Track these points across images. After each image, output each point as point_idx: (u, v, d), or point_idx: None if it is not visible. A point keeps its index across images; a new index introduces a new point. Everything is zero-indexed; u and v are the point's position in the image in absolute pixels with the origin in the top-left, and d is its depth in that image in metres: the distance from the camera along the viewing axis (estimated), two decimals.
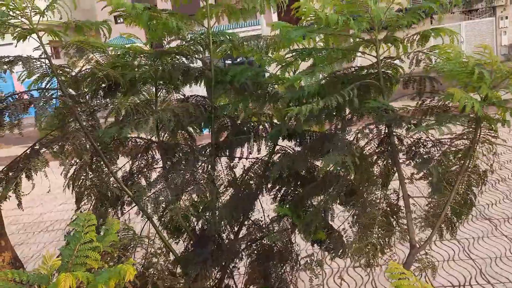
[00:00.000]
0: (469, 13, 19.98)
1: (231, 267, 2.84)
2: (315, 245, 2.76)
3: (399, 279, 1.70)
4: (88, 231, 1.83)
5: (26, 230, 7.12)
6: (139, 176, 2.92)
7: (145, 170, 2.88)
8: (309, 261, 2.45)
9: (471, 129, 2.22)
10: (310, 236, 2.59)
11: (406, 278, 1.69)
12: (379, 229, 2.40)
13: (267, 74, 3.17)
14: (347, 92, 2.13)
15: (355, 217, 2.62)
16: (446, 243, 5.13)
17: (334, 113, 2.40)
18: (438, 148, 2.27)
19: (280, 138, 2.98)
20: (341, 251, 2.63)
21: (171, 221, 2.92)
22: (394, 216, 2.45)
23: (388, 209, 2.47)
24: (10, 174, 2.30)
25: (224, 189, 3.00)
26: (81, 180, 2.81)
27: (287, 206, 2.82)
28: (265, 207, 3.05)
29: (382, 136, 2.38)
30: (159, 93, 3.12)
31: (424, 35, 2.25)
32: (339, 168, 2.48)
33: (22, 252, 5.94)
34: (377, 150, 2.39)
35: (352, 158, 2.00)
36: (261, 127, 3.06)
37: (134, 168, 3.01)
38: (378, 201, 2.43)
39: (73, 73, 2.52)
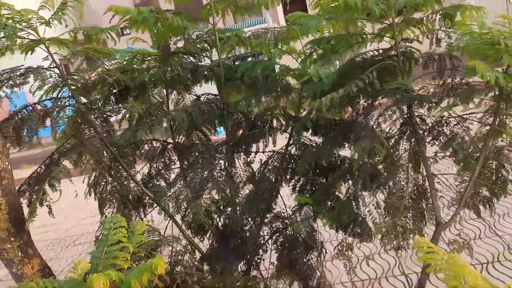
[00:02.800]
0: None
1: (256, 259, 2.83)
2: (340, 231, 2.73)
3: (427, 253, 1.66)
4: (116, 232, 1.84)
5: (54, 246, 7.19)
6: (158, 178, 2.93)
7: (163, 171, 2.89)
8: (340, 248, 2.43)
9: (495, 103, 2.17)
10: (333, 223, 2.57)
11: (433, 251, 1.65)
12: (407, 211, 2.37)
13: (277, 67, 3.15)
14: (366, 75, 2.10)
15: (379, 201, 2.59)
16: (471, 222, 5.06)
17: (357, 98, 2.37)
18: (462, 125, 2.22)
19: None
20: (367, 235, 2.60)
21: (194, 220, 2.92)
22: (422, 197, 2.41)
23: (415, 190, 2.43)
24: (32, 184, 2.32)
25: (243, 185, 2.99)
26: (101, 186, 2.83)
27: (307, 195, 2.80)
28: (286, 202, 3.03)
29: (404, 117, 2.34)
30: (170, 95, 3.13)
31: (447, 14, 2.19)
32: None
33: (52, 267, 6.01)
34: (398, 132, 2.35)
35: (380, 143, 1.98)
36: (275, 120, 3.05)
37: (153, 171, 3.02)
38: (404, 183, 2.39)
39: (83, 81, 2.53)
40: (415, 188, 2.45)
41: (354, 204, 2.35)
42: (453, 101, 1.85)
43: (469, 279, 1.47)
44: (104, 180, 2.77)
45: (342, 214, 2.33)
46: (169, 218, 2.65)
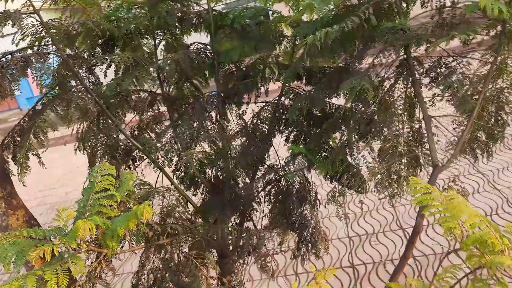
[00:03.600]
0: None
1: (249, 211, 2.79)
2: (334, 181, 2.68)
3: (423, 194, 1.60)
4: (103, 180, 1.77)
5: (54, 209, 7.21)
6: (148, 131, 2.85)
7: (153, 124, 2.81)
8: (332, 194, 2.37)
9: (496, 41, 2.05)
10: (327, 172, 2.51)
11: (429, 192, 1.59)
12: (402, 157, 2.30)
13: (270, 14, 3.01)
14: (362, 11, 1.98)
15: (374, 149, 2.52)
16: (470, 177, 5.03)
17: (351, 42, 2.25)
18: (461, 62, 2.11)
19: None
20: (361, 186, 2.55)
21: (186, 173, 2.87)
22: (417, 142, 2.34)
23: (410, 135, 2.35)
24: (16, 137, 2.25)
25: (235, 137, 2.92)
26: (90, 141, 2.76)
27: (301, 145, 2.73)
28: (280, 154, 2.97)
29: (400, 59, 2.23)
30: (159, 45, 3.00)
31: None
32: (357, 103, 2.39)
33: None
34: (395, 74, 2.24)
35: (369, 82, 1.88)
36: (267, 70, 2.94)
37: (143, 125, 2.94)
38: (399, 129, 2.31)
39: (64, 28, 2.40)
40: (410, 133, 2.37)
41: (347, 150, 2.27)
42: (451, 35, 1.74)
43: (466, 218, 1.40)
44: (93, 134, 2.69)
45: (335, 161, 2.27)
46: (159, 171, 2.59)
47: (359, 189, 2.49)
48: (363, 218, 4.89)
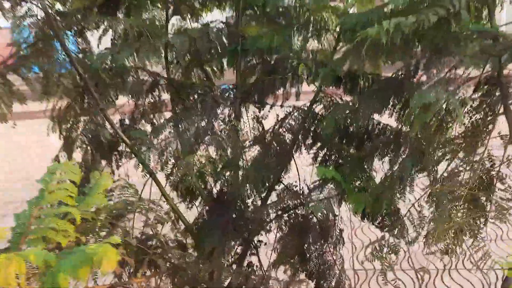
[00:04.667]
0: None
1: (256, 241, 2.24)
2: (365, 219, 2.14)
3: None
4: (55, 188, 1.20)
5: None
6: (143, 122, 2.30)
7: (150, 114, 2.25)
8: (378, 247, 1.83)
9: None
10: (362, 208, 1.96)
11: None
12: (464, 206, 1.76)
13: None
14: (450, 2, 1.43)
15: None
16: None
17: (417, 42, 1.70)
18: None
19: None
20: (402, 230, 2.01)
21: (181, 181, 2.31)
22: (488, 187, 1.80)
23: (476, 179, 1.81)
24: None
25: (249, 145, 2.37)
26: (70, 123, 2.20)
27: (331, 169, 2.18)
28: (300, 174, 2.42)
29: (485, 75, 1.69)
30: (171, 17, 2.44)
31: None
32: None
33: None
34: (477, 95, 1.70)
35: (458, 99, 1.34)
36: (301, 66, 2.39)
37: (137, 113, 2.38)
38: (464, 165, 1.77)
39: None
40: (480, 175, 1.83)
41: (400, 186, 1.72)
42: None
43: None
44: (74, 114, 2.13)
45: (381, 198, 1.72)
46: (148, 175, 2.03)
47: (401, 235, 1.94)
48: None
